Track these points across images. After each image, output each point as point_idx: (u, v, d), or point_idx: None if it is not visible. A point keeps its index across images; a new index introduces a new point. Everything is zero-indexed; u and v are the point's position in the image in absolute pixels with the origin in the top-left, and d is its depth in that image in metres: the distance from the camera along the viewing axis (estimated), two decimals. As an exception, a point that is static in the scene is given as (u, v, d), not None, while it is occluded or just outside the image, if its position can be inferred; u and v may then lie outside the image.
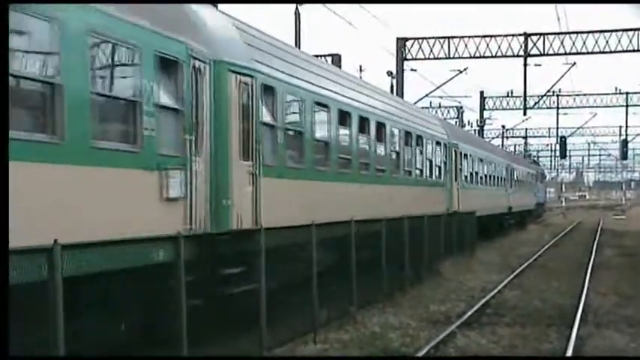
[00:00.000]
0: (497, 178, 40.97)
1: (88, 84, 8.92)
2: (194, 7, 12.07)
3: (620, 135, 77.75)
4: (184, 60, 10.91)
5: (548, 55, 41.57)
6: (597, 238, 38.73)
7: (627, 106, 66.68)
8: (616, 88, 66.65)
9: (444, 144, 27.91)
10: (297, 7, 30.53)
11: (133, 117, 9.81)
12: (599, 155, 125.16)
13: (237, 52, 12.56)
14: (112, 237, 8.77)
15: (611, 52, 40.33)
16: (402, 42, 41.31)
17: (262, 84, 13.03)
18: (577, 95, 67.23)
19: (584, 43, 40.48)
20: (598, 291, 18.98)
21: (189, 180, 10.89)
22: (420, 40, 41.39)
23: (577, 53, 41.50)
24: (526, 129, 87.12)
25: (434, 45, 41.25)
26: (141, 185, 9.96)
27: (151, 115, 10.07)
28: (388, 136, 20.53)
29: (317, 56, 25.89)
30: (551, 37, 41.05)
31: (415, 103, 40.92)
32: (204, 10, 12.37)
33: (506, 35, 41.69)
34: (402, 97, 37.90)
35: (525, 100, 50.07)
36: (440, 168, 27.11)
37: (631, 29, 39.91)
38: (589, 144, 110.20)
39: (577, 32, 40.77)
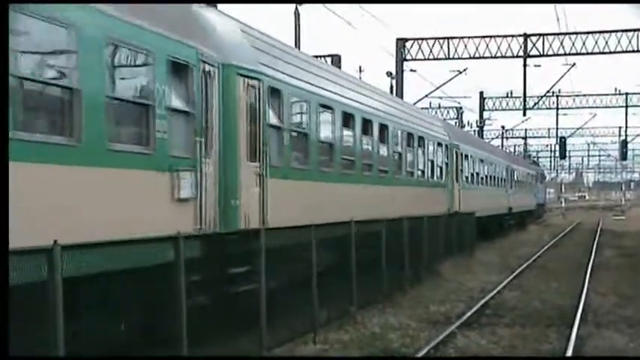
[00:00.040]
0: (498, 178, 41.03)
1: (104, 88, 9.13)
2: (203, 11, 12.28)
3: (620, 135, 77.73)
4: (195, 64, 11.12)
5: (547, 55, 41.54)
6: (597, 239, 38.67)
7: (627, 106, 66.65)
8: (615, 89, 66.76)
9: (446, 145, 28.02)
10: (296, 8, 30.55)
11: (146, 120, 10.03)
12: (599, 156, 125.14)
13: (244, 55, 12.75)
14: (126, 237, 8.91)
15: (610, 52, 40.37)
16: (401, 42, 41.33)
17: (269, 86, 13.23)
18: (577, 96, 67.32)
19: (583, 43, 40.52)
20: (598, 291, 19.00)
21: (199, 181, 11.10)
22: (420, 41, 41.41)
23: (577, 54, 41.54)
24: (526, 129, 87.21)
25: (433, 45, 41.28)
26: (153, 186, 10.17)
27: (163, 117, 10.29)
28: (391, 137, 20.69)
29: (316, 56, 25.86)
30: (550, 37, 41.06)
31: (415, 103, 40.90)
32: (212, 15, 12.56)
33: (505, 36, 41.69)
34: (402, 97, 37.87)
35: (525, 100, 50.15)
36: (441, 169, 27.19)
37: (631, 30, 39.94)
38: (589, 144, 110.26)
39: (577, 33, 40.81)
